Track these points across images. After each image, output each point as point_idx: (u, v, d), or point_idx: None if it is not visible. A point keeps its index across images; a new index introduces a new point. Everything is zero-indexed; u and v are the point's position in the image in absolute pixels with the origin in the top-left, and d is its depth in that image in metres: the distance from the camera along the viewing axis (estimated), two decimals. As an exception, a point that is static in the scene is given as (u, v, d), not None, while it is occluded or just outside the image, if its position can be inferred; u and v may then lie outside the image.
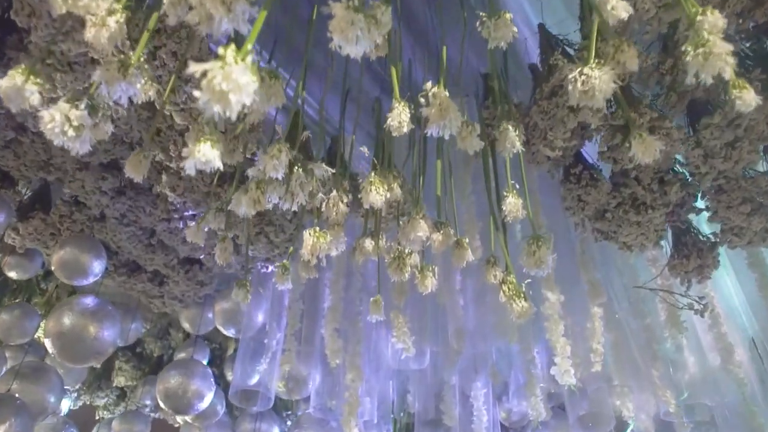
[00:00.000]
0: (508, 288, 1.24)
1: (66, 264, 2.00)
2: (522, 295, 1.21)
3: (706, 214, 1.81)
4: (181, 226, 2.01)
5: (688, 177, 1.67)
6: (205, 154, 0.70)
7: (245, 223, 1.63)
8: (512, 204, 1.09)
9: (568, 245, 1.75)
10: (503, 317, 1.83)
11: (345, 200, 1.15)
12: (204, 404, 2.26)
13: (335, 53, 0.70)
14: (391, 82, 0.97)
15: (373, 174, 1.05)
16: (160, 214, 1.96)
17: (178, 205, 1.95)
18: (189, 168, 0.71)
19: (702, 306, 1.68)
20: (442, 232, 1.14)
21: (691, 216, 1.80)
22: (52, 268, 2.04)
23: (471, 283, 2.02)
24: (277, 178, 0.98)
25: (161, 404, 2.25)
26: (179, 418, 2.86)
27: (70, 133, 0.75)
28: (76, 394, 3.30)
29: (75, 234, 2.10)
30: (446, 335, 1.78)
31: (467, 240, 1.17)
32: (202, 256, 2.25)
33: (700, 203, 1.71)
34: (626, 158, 1.53)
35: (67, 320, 1.98)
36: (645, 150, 1.36)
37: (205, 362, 2.40)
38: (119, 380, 3.51)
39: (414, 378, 2.31)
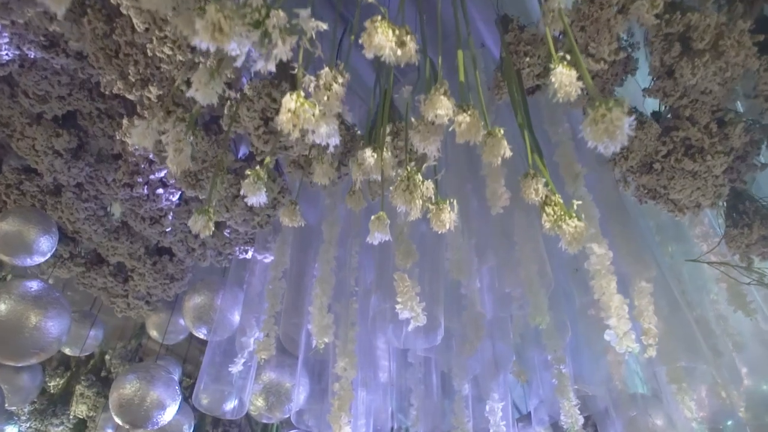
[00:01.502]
0: (553, 209, 0.94)
1: (7, 238, 1.68)
2: (571, 215, 0.91)
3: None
4: (146, 192, 1.70)
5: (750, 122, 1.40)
6: None
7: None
8: (563, 74, 0.80)
9: (609, 207, 1.45)
10: (528, 297, 1.51)
11: (340, 80, 0.86)
12: (165, 417, 1.88)
13: None
14: None
15: (379, 19, 0.78)
16: (122, 178, 1.66)
17: (142, 166, 1.65)
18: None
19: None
20: (468, 113, 0.85)
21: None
22: (-8, 244, 1.72)
23: (488, 271, 1.70)
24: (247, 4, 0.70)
25: (114, 416, 1.86)
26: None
27: None
28: (25, 418, 2.86)
29: (22, 206, 1.79)
30: (462, 316, 1.45)
31: (501, 133, 0.88)
32: (171, 236, 1.93)
33: (768, 154, 1.43)
34: (682, 84, 1.26)
35: (2, 306, 1.64)
36: (710, 64, 1.09)
37: (175, 377, 2.04)
38: (80, 409, 3.08)
39: (418, 391, 1.94)
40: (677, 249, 1.64)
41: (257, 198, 0.92)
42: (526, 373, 1.60)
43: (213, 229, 1.03)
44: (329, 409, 1.28)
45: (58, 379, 3.08)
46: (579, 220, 0.89)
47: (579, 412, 1.54)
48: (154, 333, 2.31)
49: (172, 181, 1.71)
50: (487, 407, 1.83)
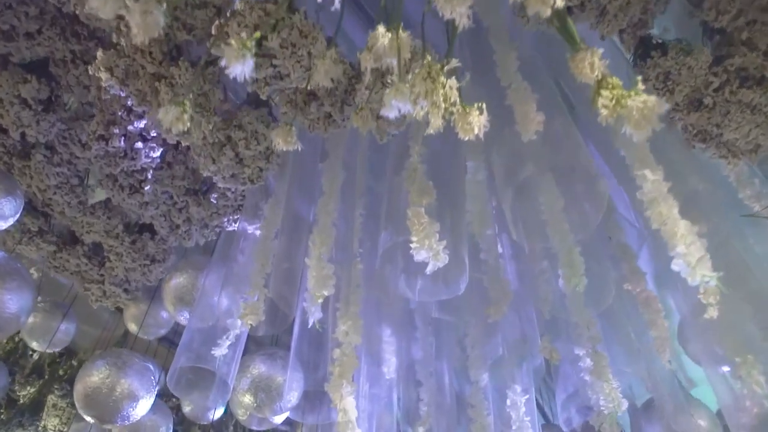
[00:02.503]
0: (611, 91, 0.75)
1: (-37, 198, 1.48)
2: (637, 91, 0.72)
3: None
4: (123, 146, 1.51)
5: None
6: None
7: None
8: None
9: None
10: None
11: None
12: (138, 411, 1.63)
13: None
14: None
15: None
16: (96, 129, 1.47)
17: (120, 114, 1.46)
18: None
19: None
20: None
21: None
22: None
23: (509, 242, 1.50)
24: None
25: (79, 409, 1.62)
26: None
27: None
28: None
29: (-16, 166, 1.59)
30: (484, 280, 1.24)
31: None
32: (152, 209, 1.73)
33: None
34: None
35: (-47, 275, 1.42)
36: None
37: (151, 367, 1.79)
38: (51, 422, 2.80)
39: (428, 384, 1.69)
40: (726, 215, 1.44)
41: (241, 68, 0.73)
42: (557, 352, 1.37)
43: (188, 125, 0.84)
44: (329, 378, 1.06)
45: (29, 388, 2.81)
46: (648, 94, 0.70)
47: (621, 395, 1.31)
48: (132, 326, 2.07)
49: (153, 134, 1.52)
50: (509, 401, 1.60)
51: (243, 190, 1.63)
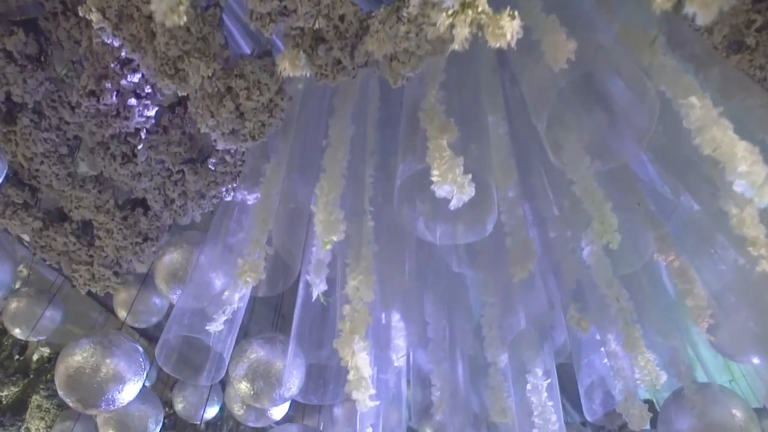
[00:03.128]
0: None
1: (-60, 158, 1.37)
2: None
3: None
4: (115, 101, 1.41)
5: None
6: None
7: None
8: None
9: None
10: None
11: None
12: (124, 396, 1.49)
13: None
14: None
15: None
16: (87, 83, 1.37)
17: (112, 65, 1.36)
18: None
19: None
20: None
21: None
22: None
23: (532, 208, 1.40)
24: None
25: (60, 393, 1.48)
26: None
27: None
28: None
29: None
30: (506, 242, 1.13)
31: None
32: (145, 181, 1.62)
33: None
34: None
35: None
36: None
37: (140, 349, 1.65)
38: (35, 424, 2.64)
39: (441, 370, 1.56)
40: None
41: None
42: (586, 321, 1.25)
43: (184, 19, 0.74)
44: (338, 334, 0.93)
45: (12, 388, 2.66)
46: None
47: (659, 368, 1.19)
48: (122, 313, 1.94)
49: (147, 90, 1.42)
50: (529, 385, 1.47)
51: (243, 155, 1.52)
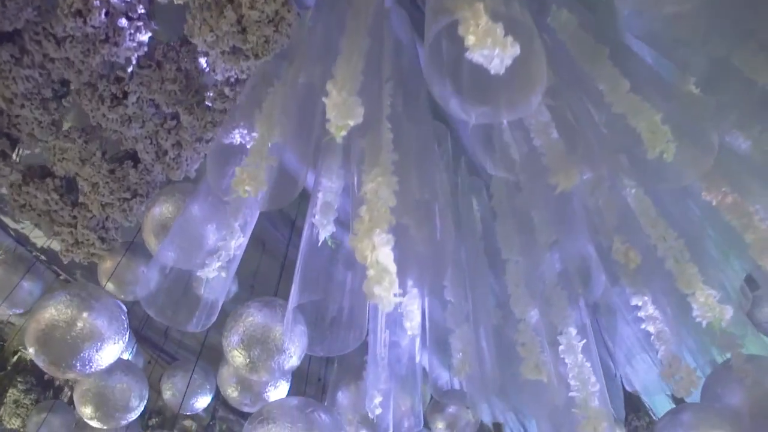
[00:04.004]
0: None
1: None
2: None
3: None
4: (104, 22, 1.27)
5: None
6: None
7: None
8: None
9: None
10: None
11: None
12: (103, 357, 1.30)
13: None
14: None
15: None
16: (73, 1, 1.24)
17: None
18: None
19: None
20: None
21: None
22: None
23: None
24: None
25: (30, 351, 1.29)
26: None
27: None
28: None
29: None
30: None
31: None
32: (136, 128, 1.48)
33: None
34: None
35: None
36: None
37: (124, 308, 1.47)
38: (12, 423, 2.43)
39: (461, 331, 1.39)
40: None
41: None
42: (634, 251, 1.09)
43: None
44: (355, 232, 0.78)
45: (-13, 380, 2.46)
46: None
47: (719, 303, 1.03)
48: (108, 285, 1.77)
49: (140, 10, 1.29)
50: (562, 345, 1.31)
51: (243, 86, 1.38)
